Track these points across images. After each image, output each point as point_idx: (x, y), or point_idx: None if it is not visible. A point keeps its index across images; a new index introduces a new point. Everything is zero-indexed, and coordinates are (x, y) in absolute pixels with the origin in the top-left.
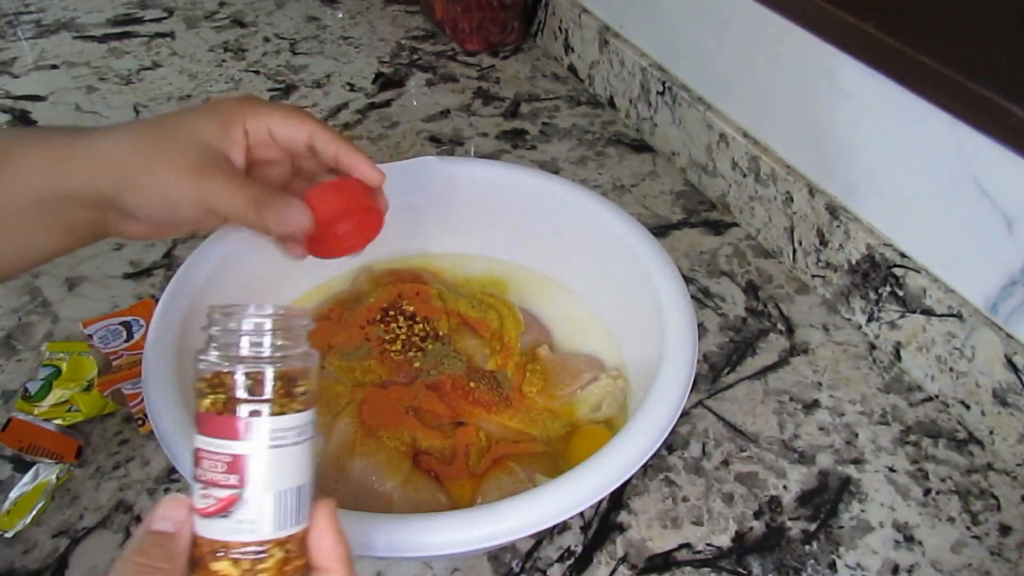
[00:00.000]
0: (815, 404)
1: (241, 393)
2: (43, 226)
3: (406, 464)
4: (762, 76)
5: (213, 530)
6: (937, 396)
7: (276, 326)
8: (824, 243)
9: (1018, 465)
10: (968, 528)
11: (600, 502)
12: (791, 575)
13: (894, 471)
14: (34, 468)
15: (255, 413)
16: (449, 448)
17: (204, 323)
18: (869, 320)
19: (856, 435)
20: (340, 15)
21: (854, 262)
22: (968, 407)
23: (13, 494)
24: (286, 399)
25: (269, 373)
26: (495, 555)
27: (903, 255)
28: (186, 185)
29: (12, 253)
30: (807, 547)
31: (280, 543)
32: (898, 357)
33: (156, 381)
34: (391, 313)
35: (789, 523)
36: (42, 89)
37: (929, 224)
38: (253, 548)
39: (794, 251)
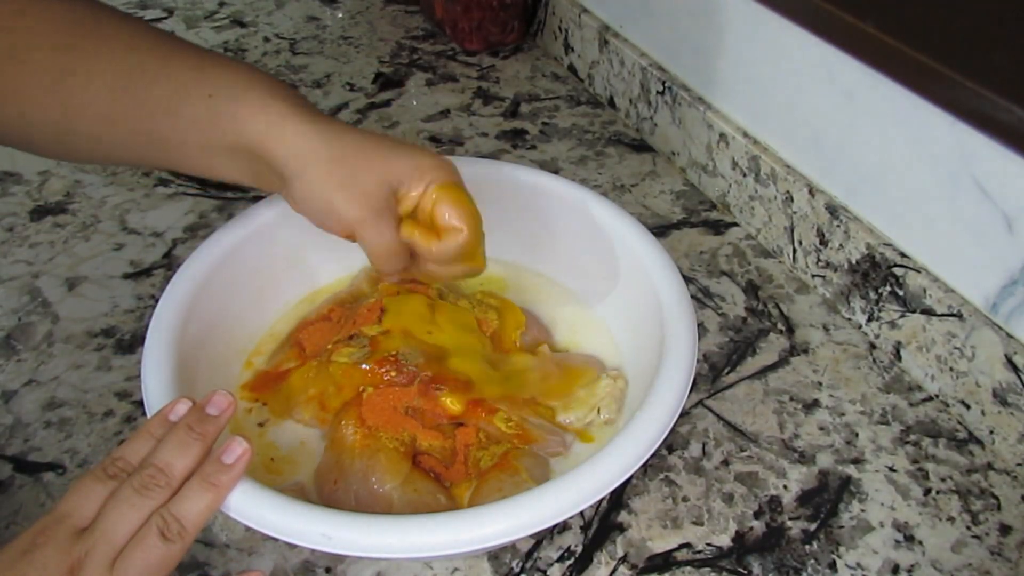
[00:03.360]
0: (815, 404)
1: None
2: (236, 167)
3: (406, 464)
4: (762, 76)
5: None
6: (937, 396)
7: None
8: (824, 243)
9: (1018, 465)
10: (968, 528)
11: (600, 502)
12: (791, 575)
13: (894, 471)
14: None
15: None
16: (449, 448)
17: (203, 323)
18: (869, 320)
19: (856, 435)
20: (340, 15)
21: (854, 262)
22: (968, 407)
23: None
24: None
25: None
26: (495, 555)
27: (903, 255)
28: (350, 213)
29: (202, 166)
30: (807, 547)
31: None
32: (898, 357)
33: (156, 382)
34: None
35: (789, 523)
36: None
37: (929, 224)
38: None
39: (794, 251)
